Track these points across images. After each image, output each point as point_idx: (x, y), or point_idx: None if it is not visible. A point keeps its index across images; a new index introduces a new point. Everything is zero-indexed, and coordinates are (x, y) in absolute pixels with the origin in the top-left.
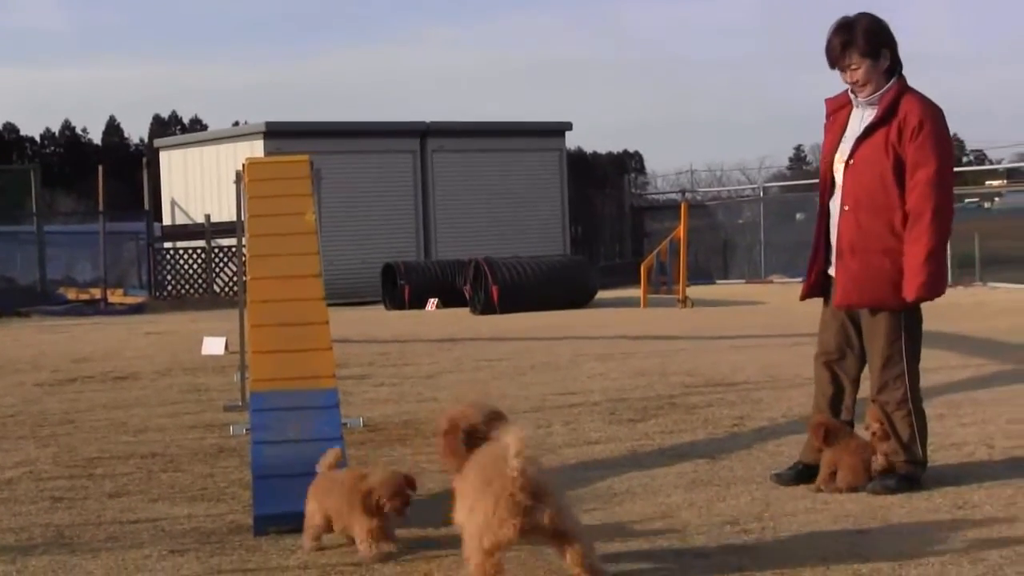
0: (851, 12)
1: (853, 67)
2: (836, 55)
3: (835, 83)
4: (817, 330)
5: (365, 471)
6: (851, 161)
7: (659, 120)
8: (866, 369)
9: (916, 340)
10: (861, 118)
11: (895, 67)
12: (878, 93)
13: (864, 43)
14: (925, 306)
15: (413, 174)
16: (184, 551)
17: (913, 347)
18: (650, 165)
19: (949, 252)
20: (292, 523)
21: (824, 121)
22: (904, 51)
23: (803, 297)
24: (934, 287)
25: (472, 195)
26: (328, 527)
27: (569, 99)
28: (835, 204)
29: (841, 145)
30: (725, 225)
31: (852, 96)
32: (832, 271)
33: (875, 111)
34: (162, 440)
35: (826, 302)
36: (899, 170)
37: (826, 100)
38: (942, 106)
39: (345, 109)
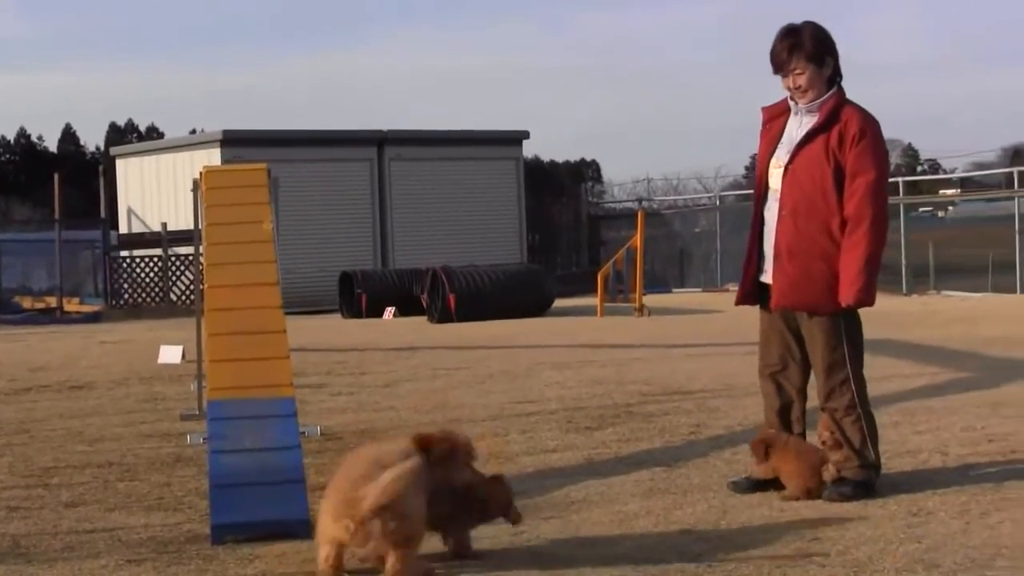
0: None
1: (798, 72)
2: (783, 59)
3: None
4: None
5: None
6: (790, 166)
7: (616, 129)
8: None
9: (858, 345)
10: (799, 125)
11: (835, 77)
12: (819, 100)
13: (811, 47)
14: (879, 315)
15: (370, 182)
16: (141, 560)
17: (855, 352)
18: (607, 174)
19: (904, 261)
20: (249, 532)
21: (760, 129)
22: (856, 60)
23: (738, 303)
24: (870, 293)
25: (429, 203)
26: None
27: (527, 108)
28: (771, 209)
29: (777, 151)
30: (682, 234)
31: (791, 103)
32: (766, 278)
33: (815, 118)
34: (119, 449)
35: (763, 313)
36: (838, 176)
37: (763, 108)
38: (896, 114)
39: (303, 117)
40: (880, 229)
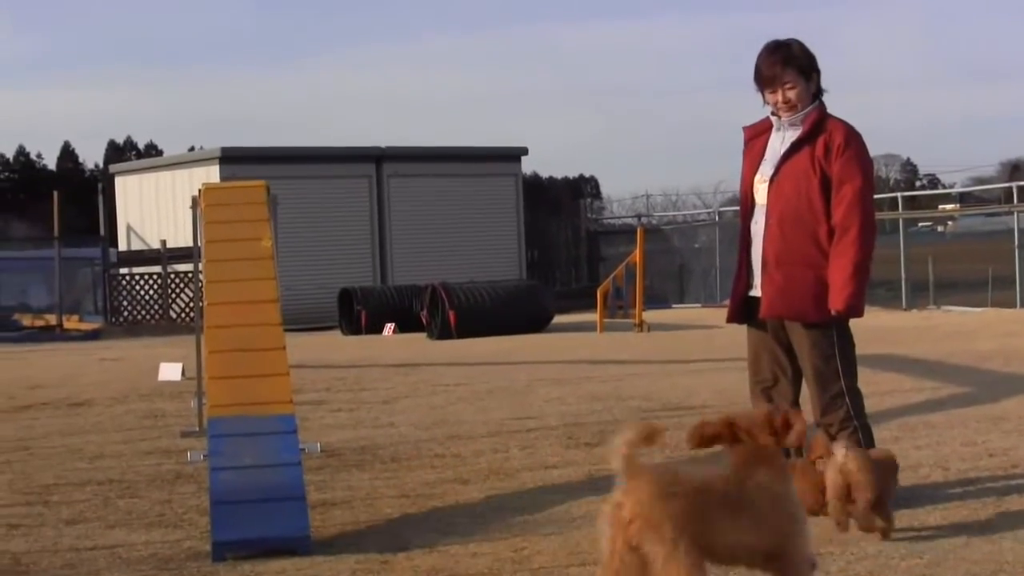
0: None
1: (789, 85)
2: (776, 72)
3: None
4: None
5: None
6: (775, 178)
7: (614, 145)
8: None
9: (850, 357)
10: (782, 140)
11: (818, 94)
12: (802, 113)
13: (804, 61)
14: (879, 330)
15: (369, 199)
16: None
17: (848, 365)
18: (606, 190)
19: (903, 276)
20: (250, 549)
21: (743, 148)
22: (855, 74)
23: (729, 320)
24: (860, 300)
25: (428, 220)
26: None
27: (525, 124)
28: (758, 222)
29: (761, 167)
30: (681, 249)
31: (774, 119)
32: (756, 292)
33: (798, 131)
34: (119, 466)
35: (751, 328)
36: (824, 186)
37: (744, 128)
38: (895, 129)
39: (301, 134)
40: (869, 236)
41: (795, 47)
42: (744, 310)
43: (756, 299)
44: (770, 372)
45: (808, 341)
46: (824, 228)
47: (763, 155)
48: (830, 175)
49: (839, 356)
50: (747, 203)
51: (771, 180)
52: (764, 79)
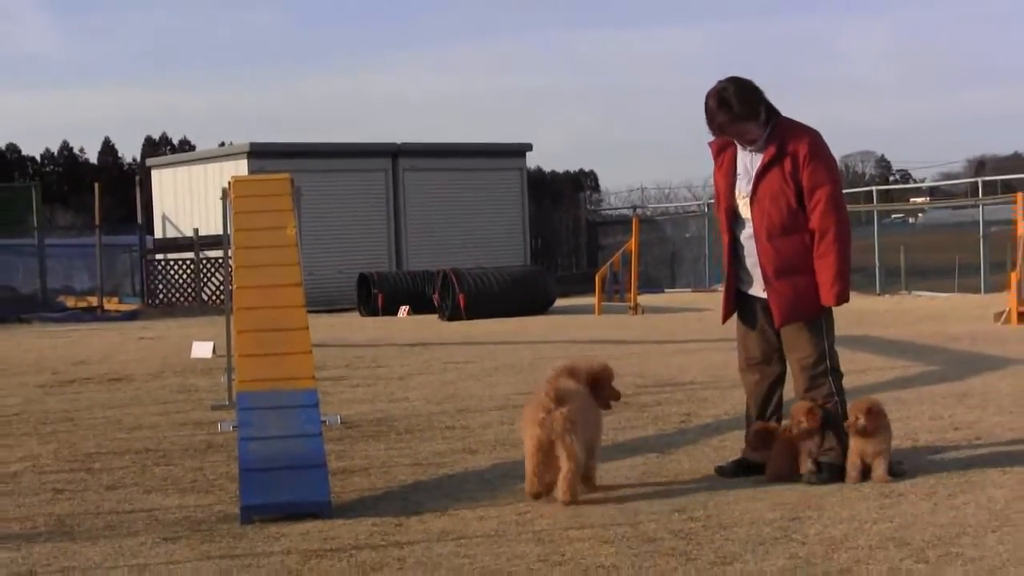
0: (720, 78)
1: (741, 133)
2: (725, 128)
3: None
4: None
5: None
6: (755, 197)
7: (612, 142)
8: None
9: (833, 339)
10: (751, 158)
11: (770, 116)
12: (762, 141)
13: (748, 111)
14: (855, 313)
15: (386, 191)
16: (176, 538)
17: (832, 349)
18: (604, 183)
19: (877, 264)
20: (276, 513)
21: (714, 162)
22: (836, 77)
23: (725, 319)
24: (847, 292)
25: (440, 210)
26: None
27: (530, 122)
28: (746, 236)
29: (738, 183)
30: (673, 238)
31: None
32: (744, 288)
33: (762, 153)
34: (155, 436)
35: (741, 315)
36: (799, 196)
37: (709, 144)
38: (871, 127)
39: (323, 132)
40: (845, 234)
41: (734, 99)
42: (735, 306)
43: (744, 294)
44: (759, 351)
45: (802, 331)
46: (809, 234)
47: (734, 169)
48: (803, 185)
49: (827, 340)
50: (727, 214)
51: (751, 199)
52: (719, 133)
